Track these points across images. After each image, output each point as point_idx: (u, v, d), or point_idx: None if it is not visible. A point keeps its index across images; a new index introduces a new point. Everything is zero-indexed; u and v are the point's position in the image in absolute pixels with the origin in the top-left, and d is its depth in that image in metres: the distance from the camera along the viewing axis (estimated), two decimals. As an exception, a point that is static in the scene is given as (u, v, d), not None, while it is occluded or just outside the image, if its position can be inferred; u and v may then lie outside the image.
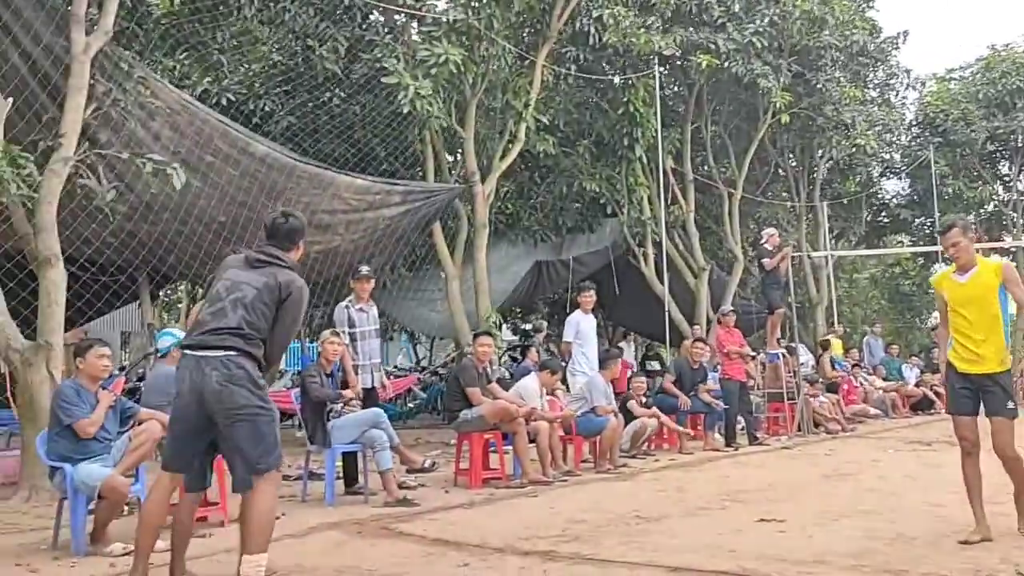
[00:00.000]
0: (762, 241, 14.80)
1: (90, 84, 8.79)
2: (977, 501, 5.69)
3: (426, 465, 8.65)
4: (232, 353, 4.52)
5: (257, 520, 4.45)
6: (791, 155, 21.44)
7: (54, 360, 8.33)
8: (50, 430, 6.20)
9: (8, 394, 9.78)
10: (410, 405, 18.49)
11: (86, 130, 8.92)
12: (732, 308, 14.34)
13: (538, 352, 13.39)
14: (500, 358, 14.62)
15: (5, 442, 11.68)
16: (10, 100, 8.35)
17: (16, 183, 7.92)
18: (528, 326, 21.01)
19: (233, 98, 13.40)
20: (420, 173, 14.67)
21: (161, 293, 18.31)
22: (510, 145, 14.45)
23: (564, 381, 11.07)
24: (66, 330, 9.00)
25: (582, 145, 16.42)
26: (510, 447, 9.11)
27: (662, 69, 16.04)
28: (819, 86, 17.86)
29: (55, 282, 8.49)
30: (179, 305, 25.38)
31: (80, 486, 5.87)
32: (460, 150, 14.40)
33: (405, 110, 12.11)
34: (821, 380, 15.60)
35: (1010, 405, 5.64)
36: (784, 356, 14.30)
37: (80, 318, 12.40)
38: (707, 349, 12.94)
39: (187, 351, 4.63)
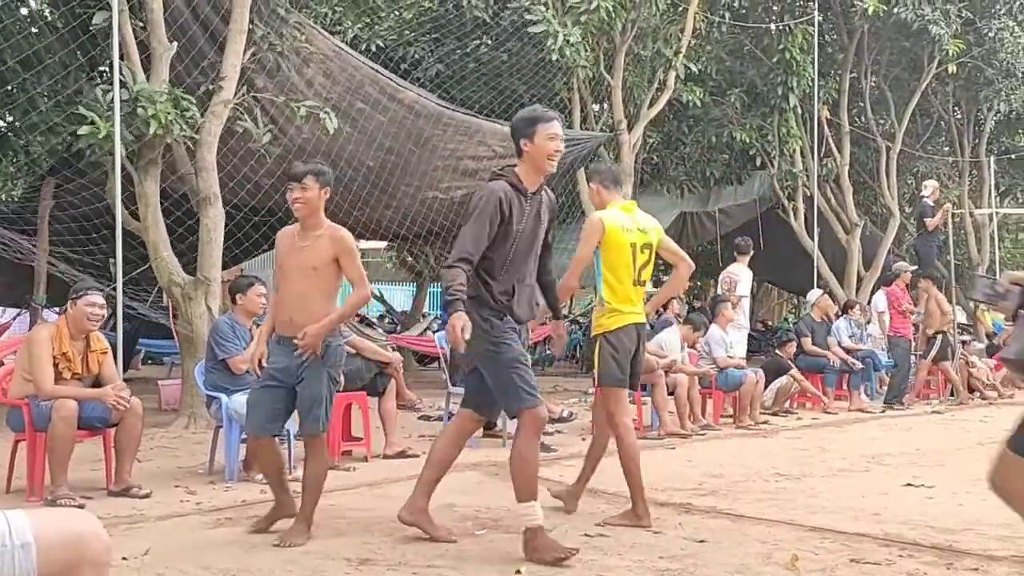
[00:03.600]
0: (923, 194, 14.10)
1: (248, 29, 9.05)
2: (635, 490, 5.07)
3: (564, 415, 8.68)
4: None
5: (516, 465, 4.43)
6: (956, 107, 20.29)
7: (212, 295, 8.71)
8: (207, 362, 6.51)
9: (172, 326, 10.32)
10: (548, 352, 18.58)
11: (244, 74, 9.20)
12: (915, 267, 13.69)
13: (679, 304, 13.21)
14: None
15: (168, 371, 12.38)
16: (174, 44, 8.69)
17: (179, 124, 8.27)
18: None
19: (383, 44, 13.56)
20: (566, 121, 14.56)
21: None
22: (658, 94, 14.17)
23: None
24: (223, 269, 9.40)
25: (733, 94, 15.94)
26: (648, 398, 9.07)
27: (821, 15, 15.40)
28: (990, 34, 16.78)
29: (214, 220, 8.85)
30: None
31: (234, 415, 6.13)
32: (607, 98, 14.23)
33: (553, 58, 12.01)
34: (978, 343, 14.85)
35: (593, 372, 5.23)
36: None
37: (234, 258, 12.90)
38: (865, 312, 12.46)
39: None
